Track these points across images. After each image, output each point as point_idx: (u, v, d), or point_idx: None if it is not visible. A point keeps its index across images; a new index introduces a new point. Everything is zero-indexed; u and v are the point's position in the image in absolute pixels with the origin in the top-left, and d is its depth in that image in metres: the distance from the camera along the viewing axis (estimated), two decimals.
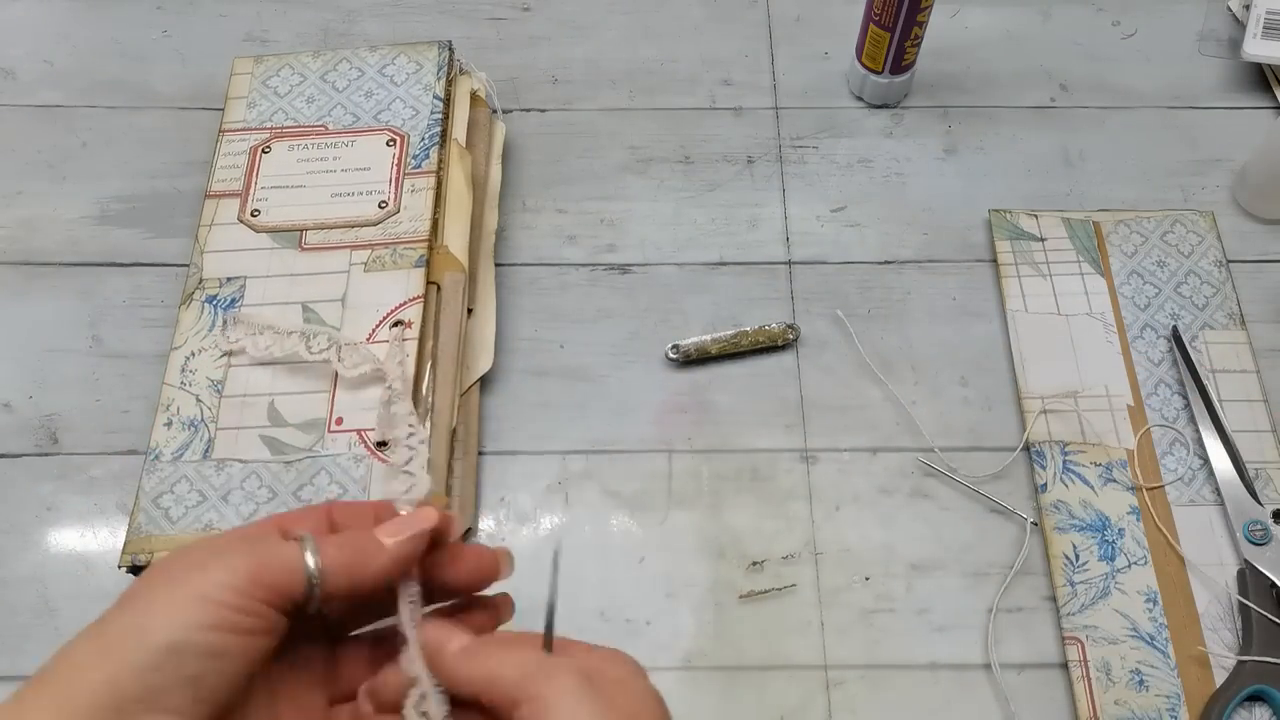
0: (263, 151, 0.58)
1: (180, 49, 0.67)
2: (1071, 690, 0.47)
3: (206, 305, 0.53)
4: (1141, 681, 0.47)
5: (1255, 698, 0.47)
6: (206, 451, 0.50)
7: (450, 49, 0.61)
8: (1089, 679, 0.47)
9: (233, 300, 0.53)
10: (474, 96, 0.61)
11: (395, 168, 0.57)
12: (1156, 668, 0.47)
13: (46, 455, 0.53)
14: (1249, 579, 0.49)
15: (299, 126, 0.59)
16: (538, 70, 0.66)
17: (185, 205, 0.60)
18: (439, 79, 0.60)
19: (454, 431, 0.51)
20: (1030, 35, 0.68)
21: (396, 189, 0.56)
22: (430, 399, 0.51)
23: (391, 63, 0.61)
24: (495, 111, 0.62)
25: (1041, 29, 0.69)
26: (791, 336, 0.56)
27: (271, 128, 0.59)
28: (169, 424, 0.51)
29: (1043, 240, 0.59)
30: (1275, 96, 0.66)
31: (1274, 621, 0.47)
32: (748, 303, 0.58)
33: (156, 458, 0.50)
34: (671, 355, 0.56)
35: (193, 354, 0.52)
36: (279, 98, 0.60)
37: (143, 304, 0.57)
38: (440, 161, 0.57)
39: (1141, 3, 0.70)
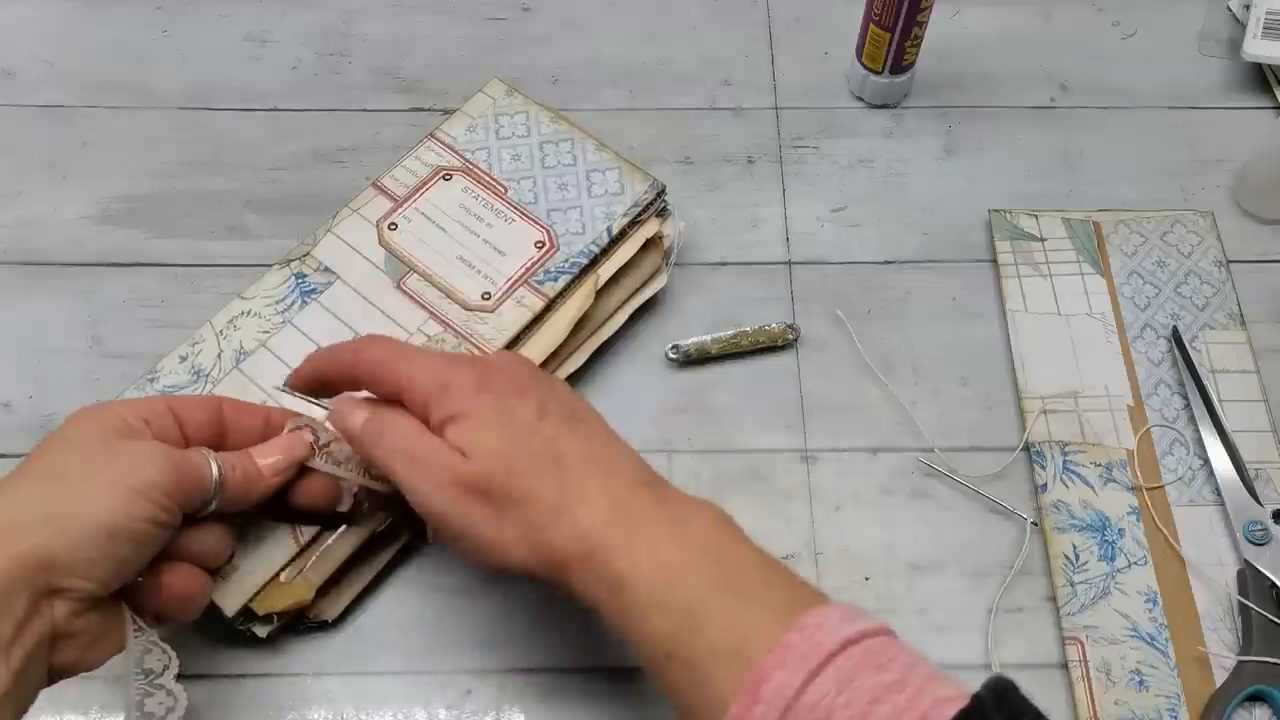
0: (443, 178, 0.55)
1: (180, 49, 0.67)
2: (1071, 690, 0.47)
3: (292, 279, 0.53)
4: (1141, 682, 0.47)
5: (1255, 698, 0.47)
6: None
7: (662, 193, 0.56)
8: (1089, 679, 0.47)
9: (313, 289, 0.52)
10: (653, 240, 0.55)
11: (523, 270, 0.53)
12: (1156, 668, 0.47)
13: None
14: (1249, 579, 0.49)
15: (487, 175, 0.55)
16: (538, 70, 0.66)
17: (185, 205, 0.60)
18: (625, 215, 0.54)
19: None
20: (1030, 35, 0.68)
21: (508, 290, 0.52)
22: None
23: (603, 171, 0.55)
24: (667, 263, 0.57)
25: (1041, 29, 0.69)
26: (791, 336, 0.56)
27: (468, 160, 0.56)
28: (184, 359, 0.50)
29: (1043, 240, 0.59)
30: (1275, 96, 0.66)
31: (1274, 621, 0.47)
32: (748, 303, 0.58)
33: (151, 380, 0.50)
34: (671, 355, 0.56)
35: (248, 313, 0.51)
36: (497, 138, 0.57)
37: (143, 304, 0.57)
38: (563, 292, 0.52)
39: (1141, 3, 0.70)
